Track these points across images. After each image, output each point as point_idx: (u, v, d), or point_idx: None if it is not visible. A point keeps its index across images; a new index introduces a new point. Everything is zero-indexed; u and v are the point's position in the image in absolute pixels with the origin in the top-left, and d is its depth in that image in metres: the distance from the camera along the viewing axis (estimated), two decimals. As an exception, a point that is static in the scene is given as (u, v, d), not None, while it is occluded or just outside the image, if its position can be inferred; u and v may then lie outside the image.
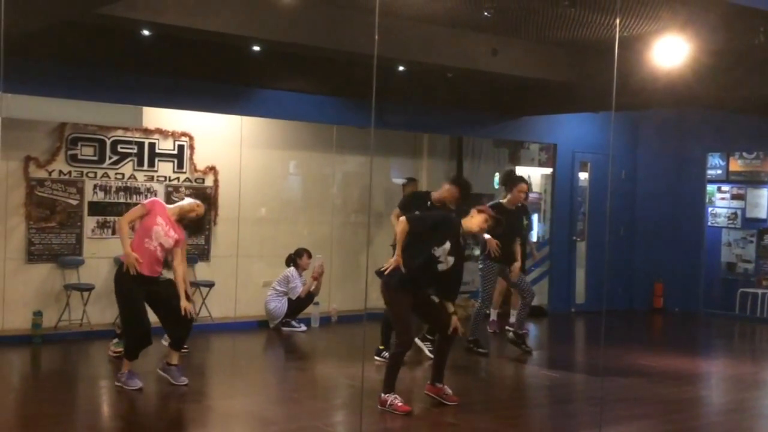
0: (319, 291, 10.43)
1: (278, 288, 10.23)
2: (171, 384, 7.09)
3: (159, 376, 7.20)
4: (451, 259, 6.58)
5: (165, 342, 7.57)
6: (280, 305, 10.20)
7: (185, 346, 7.76)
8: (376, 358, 8.33)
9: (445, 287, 6.74)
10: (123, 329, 7.36)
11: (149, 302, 7.04)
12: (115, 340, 8.23)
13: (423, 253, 6.56)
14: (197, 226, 7.55)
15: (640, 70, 8.08)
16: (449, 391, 6.80)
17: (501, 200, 9.07)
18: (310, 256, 10.34)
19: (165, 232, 6.99)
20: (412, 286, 6.57)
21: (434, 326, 7.04)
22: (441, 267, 6.55)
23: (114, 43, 8.19)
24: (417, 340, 8.55)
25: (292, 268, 10.31)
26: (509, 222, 8.92)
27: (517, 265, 8.95)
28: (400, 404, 6.48)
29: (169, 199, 9.65)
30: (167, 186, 10.02)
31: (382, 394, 6.54)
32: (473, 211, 6.78)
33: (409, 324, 6.65)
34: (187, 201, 7.37)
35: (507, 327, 10.38)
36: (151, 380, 7.18)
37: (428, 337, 8.58)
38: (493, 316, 10.59)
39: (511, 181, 9.17)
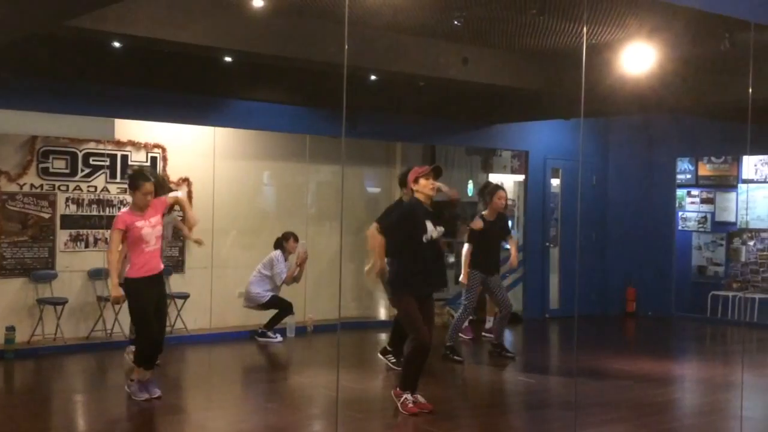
0: (301, 278, 10.37)
1: (263, 271, 10.19)
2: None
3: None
4: (440, 228, 6.77)
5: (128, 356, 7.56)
6: (262, 292, 10.14)
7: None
8: (380, 355, 8.55)
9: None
10: (135, 336, 7.31)
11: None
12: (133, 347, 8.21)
13: (415, 247, 6.67)
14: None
15: (609, 77, 8.18)
16: (421, 399, 6.83)
17: (482, 213, 9.14)
18: (296, 239, 10.29)
19: (152, 226, 6.93)
20: (416, 287, 6.69)
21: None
22: (435, 237, 6.73)
23: (85, 55, 8.17)
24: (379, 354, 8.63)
25: (278, 252, 10.26)
26: (490, 232, 9.03)
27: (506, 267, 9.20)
28: (410, 405, 6.61)
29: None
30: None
31: (398, 388, 6.75)
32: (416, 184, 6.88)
33: (421, 326, 6.64)
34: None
35: (483, 333, 10.47)
36: (123, 393, 7.14)
37: (389, 349, 8.60)
38: (490, 323, 10.61)
39: (489, 190, 9.23)
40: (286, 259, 10.26)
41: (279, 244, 10.32)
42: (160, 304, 7.02)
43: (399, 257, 6.76)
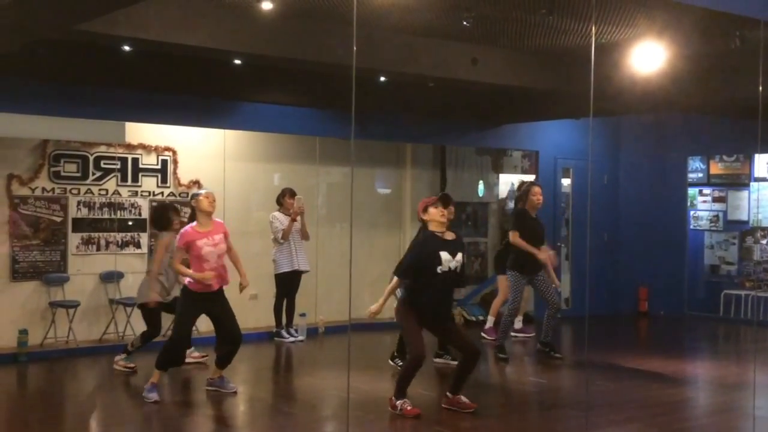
0: (307, 234, 10.29)
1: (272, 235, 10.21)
2: (169, 399, 7.23)
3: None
4: (459, 257, 6.72)
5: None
6: (280, 255, 10.14)
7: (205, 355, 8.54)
8: (390, 361, 8.64)
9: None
10: (170, 338, 7.44)
11: (211, 317, 7.40)
12: (123, 355, 8.47)
13: (429, 279, 6.69)
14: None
15: (618, 76, 8.17)
16: (464, 399, 6.91)
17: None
18: (293, 195, 10.19)
19: (213, 244, 7.13)
20: (420, 316, 6.76)
21: (458, 348, 7.09)
22: (456, 269, 6.71)
23: (95, 59, 8.21)
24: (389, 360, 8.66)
25: (276, 211, 10.25)
26: (532, 230, 9.02)
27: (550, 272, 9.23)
28: (409, 408, 6.65)
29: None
30: (151, 201, 10.02)
31: (393, 398, 6.75)
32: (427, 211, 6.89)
33: (418, 339, 6.73)
34: (200, 198, 7.31)
35: (482, 333, 10.49)
36: (137, 396, 7.16)
37: (396, 354, 8.65)
38: (490, 323, 10.59)
39: (525, 188, 9.33)
40: (287, 216, 10.15)
41: (278, 202, 10.32)
42: (219, 319, 7.39)
43: (414, 283, 6.79)
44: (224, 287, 7.37)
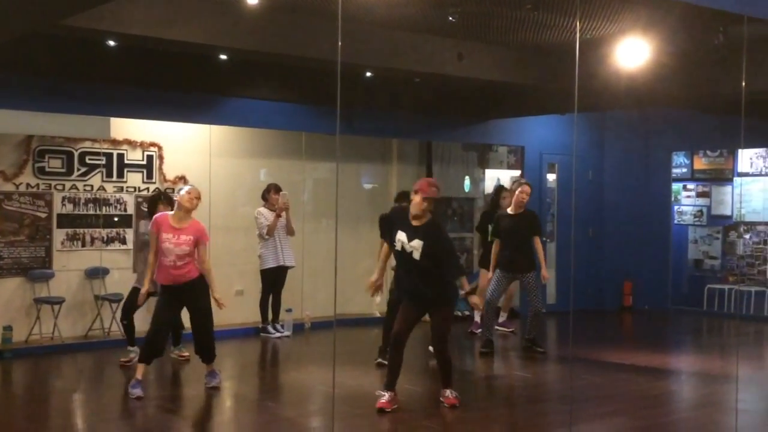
0: (292, 229, 10.28)
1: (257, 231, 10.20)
2: (155, 395, 7.23)
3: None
4: (415, 244, 6.63)
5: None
6: (266, 251, 10.14)
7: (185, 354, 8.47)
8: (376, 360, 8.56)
9: (436, 269, 6.72)
10: (148, 330, 7.44)
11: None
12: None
13: (397, 256, 6.79)
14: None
15: (603, 72, 8.20)
16: (447, 393, 6.92)
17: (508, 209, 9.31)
18: (277, 191, 10.15)
19: (175, 244, 7.08)
20: (405, 295, 6.86)
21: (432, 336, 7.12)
22: (414, 255, 6.65)
23: (80, 54, 8.18)
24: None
25: (260, 207, 10.24)
26: (515, 228, 9.03)
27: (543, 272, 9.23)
28: (382, 401, 6.67)
29: (139, 209, 9.68)
30: (137, 197, 9.99)
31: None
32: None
33: (399, 320, 6.81)
34: (182, 192, 7.28)
35: (471, 330, 10.53)
36: (123, 392, 7.15)
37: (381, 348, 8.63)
38: (477, 317, 10.61)
39: (513, 185, 9.39)
40: (272, 212, 10.15)
41: (264, 197, 10.30)
42: (191, 314, 7.43)
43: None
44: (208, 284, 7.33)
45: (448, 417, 6.67)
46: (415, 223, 6.70)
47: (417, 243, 6.62)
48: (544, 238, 12.79)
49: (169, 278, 7.14)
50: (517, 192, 9.18)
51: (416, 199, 6.72)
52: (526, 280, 9.15)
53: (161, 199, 8.36)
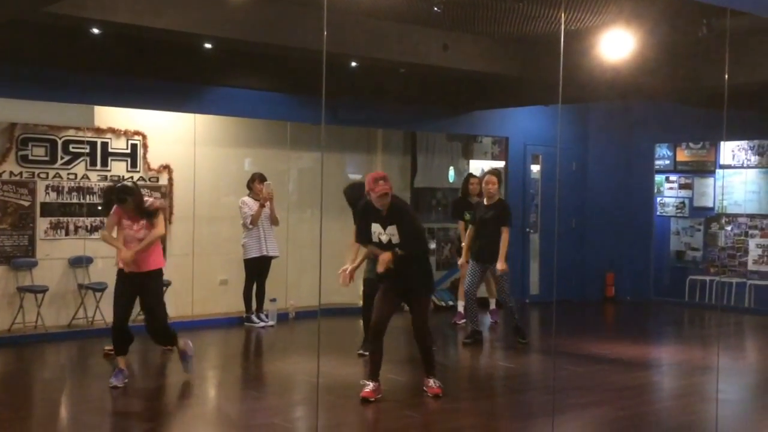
0: (276, 218, 10.30)
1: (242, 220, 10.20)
2: (139, 385, 7.20)
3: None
4: (390, 230, 6.71)
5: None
6: (249, 240, 10.14)
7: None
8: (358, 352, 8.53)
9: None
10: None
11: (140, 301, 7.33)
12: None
13: (375, 245, 6.83)
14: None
15: (587, 63, 8.23)
16: (431, 383, 6.94)
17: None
18: (262, 181, 10.15)
19: (137, 230, 7.10)
20: (384, 285, 6.86)
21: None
22: (393, 241, 6.70)
23: (64, 41, 8.13)
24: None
25: (245, 196, 10.24)
26: (485, 219, 9.03)
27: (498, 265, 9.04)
28: (366, 391, 6.68)
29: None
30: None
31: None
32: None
33: (377, 309, 6.82)
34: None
35: (454, 321, 10.57)
36: (105, 381, 7.15)
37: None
38: (460, 308, 10.64)
39: (465, 178, 9.44)
40: (256, 201, 10.14)
41: (248, 187, 10.29)
42: (143, 303, 7.34)
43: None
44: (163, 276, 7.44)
45: (431, 407, 6.71)
46: (383, 212, 6.75)
47: (391, 229, 6.71)
48: (527, 229, 12.91)
49: (125, 265, 7.07)
50: (483, 183, 9.19)
51: (373, 197, 6.75)
52: (494, 269, 9.12)
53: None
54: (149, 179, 10.18)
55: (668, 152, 13.79)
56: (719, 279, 12.61)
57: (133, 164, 10.09)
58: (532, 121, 12.68)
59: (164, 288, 9.94)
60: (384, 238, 6.73)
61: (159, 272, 7.36)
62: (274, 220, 10.27)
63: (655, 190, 13.60)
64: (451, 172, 12.85)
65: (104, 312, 9.38)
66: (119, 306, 7.13)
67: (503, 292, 9.31)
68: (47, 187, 9.53)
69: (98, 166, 9.84)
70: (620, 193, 13.39)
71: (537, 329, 11.15)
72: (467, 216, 9.83)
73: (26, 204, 9.40)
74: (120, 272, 7.18)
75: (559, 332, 10.06)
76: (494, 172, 9.42)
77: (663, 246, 13.67)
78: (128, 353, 7.28)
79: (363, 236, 6.95)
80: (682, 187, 13.71)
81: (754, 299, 12.36)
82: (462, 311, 10.47)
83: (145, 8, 7.02)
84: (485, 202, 9.20)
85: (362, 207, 6.98)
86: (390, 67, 9.31)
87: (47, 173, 9.53)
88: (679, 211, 13.72)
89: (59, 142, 9.58)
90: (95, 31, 7.56)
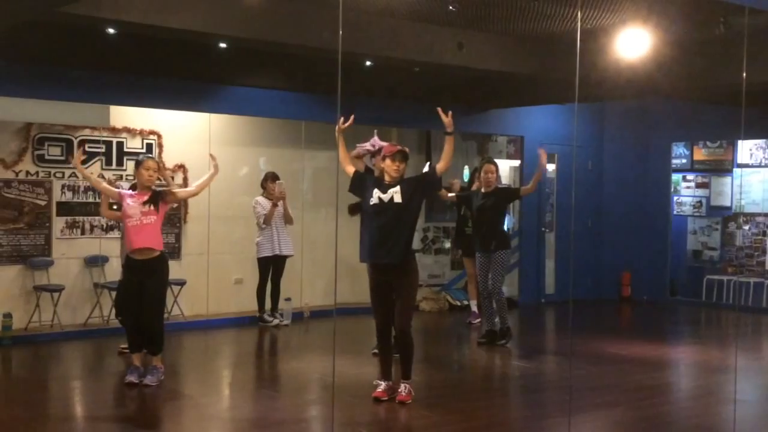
0: (290, 218, 10.30)
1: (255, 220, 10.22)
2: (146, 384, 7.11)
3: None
4: (394, 190, 6.60)
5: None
6: (262, 239, 10.15)
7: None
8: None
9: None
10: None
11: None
12: None
13: (368, 215, 6.82)
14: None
15: (604, 62, 8.19)
16: (402, 389, 6.71)
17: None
18: (274, 180, 10.15)
19: (140, 203, 6.96)
20: (370, 254, 6.73)
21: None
22: (396, 199, 6.57)
23: (79, 41, 8.15)
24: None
25: (258, 196, 10.25)
26: (483, 207, 8.98)
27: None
28: (378, 391, 6.67)
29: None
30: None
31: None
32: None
33: (378, 309, 6.71)
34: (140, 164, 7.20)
35: (469, 321, 10.51)
36: (122, 379, 7.16)
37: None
38: (474, 307, 10.58)
39: (479, 165, 9.41)
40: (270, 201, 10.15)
41: (263, 186, 10.30)
42: (144, 302, 7.00)
43: (362, 227, 6.75)
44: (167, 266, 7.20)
45: (450, 406, 6.68)
46: (389, 183, 6.64)
47: (396, 189, 6.55)
48: (543, 228, 12.87)
49: (136, 242, 6.92)
50: (482, 171, 9.12)
51: (387, 163, 6.64)
52: (494, 256, 8.97)
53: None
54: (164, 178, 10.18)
55: (685, 151, 13.70)
56: (737, 279, 12.52)
57: (149, 164, 10.10)
58: (548, 119, 12.63)
59: (180, 287, 10.01)
60: (385, 198, 6.54)
61: (165, 258, 7.17)
62: (288, 219, 10.27)
63: (672, 189, 13.52)
64: (466, 171, 12.80)
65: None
66: (129, 299, 7.03)
67: (497, 280, 8.96)
68: (63, 186, 9.56)
69: (114, 166, 9.86)
70: (637, 192, 13.31)
71: (552, 329, 11.11)
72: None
73: (42, 203, 9.44)
74: (127, 259, 7.06)
75: (575, 332, 10.00)
76: (491, 160, 9.38)
77: (680, 245, 13.58)
78: (142, 351, 7.27)
79: (356, 188, 6.80)
80: (699, 186, 13.62)
81: (772, 299, 12.27)
82: (476, 310, 10.42)
83: (161, 8, 7.02)
84: (483, 190, 9.10)
85: (367, 175, 6.90)
86: (405, 66, 9.29)
87: (63, 172, 9.56)
88: (696, 210, 13.63)
89: (75, 142, 9.60)
90: (110, 30, 7.57)
